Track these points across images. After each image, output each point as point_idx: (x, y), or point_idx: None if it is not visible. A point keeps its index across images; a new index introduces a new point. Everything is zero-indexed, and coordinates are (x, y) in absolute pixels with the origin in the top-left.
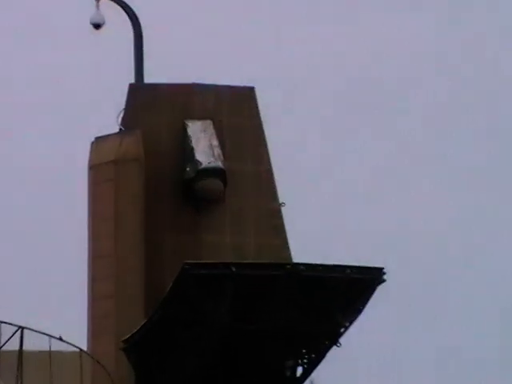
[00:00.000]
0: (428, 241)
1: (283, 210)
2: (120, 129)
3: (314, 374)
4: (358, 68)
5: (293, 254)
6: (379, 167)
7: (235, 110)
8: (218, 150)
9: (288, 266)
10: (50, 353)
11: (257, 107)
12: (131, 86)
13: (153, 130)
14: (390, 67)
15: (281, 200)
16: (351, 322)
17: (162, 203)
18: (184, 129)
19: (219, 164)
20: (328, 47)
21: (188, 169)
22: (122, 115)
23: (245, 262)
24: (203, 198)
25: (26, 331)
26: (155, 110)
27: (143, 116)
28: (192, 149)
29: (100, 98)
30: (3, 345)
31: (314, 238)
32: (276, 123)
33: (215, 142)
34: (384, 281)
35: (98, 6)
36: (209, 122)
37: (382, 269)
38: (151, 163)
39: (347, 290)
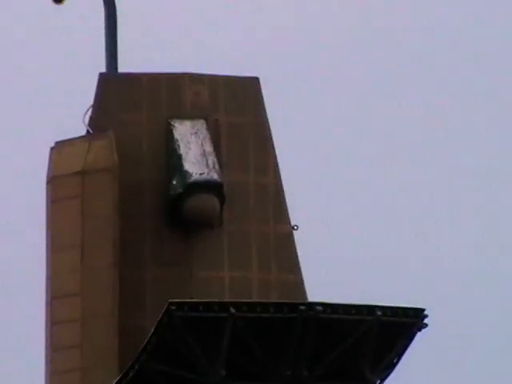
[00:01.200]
0: (473, 277)
1: (296, 234)
2: (87, 131)
3: None
4: None
5: (308, 291)
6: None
7: (235, 107)
8: (212, 158)
9: (302, 307)
10: None
11: (262, 102)
12: (102, 75)
13: (130, 131)
14: None
15: (293, 222)
16: (383, 380)
17: (142, 227)
18: (169, 130)
19: (214, 176)
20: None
21: (174, 182)
22: (89, 113)
23: (247, 301)
24: (194, 221)
25: None
26: (133, 106)
27: (117, 114)
28: (179, 156)
29: (61, 92)
30: None
31: (334, 270)
32: (285, 123)
33: (209, 148)
34: (425, 326)
35: None
36: (201, 122)
37: (422, 310)
38: (128, 175)
39: (377, 337)
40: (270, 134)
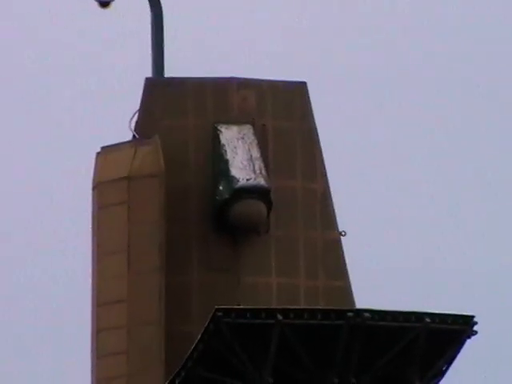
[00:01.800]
0: None
1: (343, 240)
2: (134, 136)
3: None
4: None
5: (356, 297)
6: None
7: (282, 112)
8: (259, 164)
9: (350, 314)
10: None
11: (309, 107)
12: (148, 80)
13: (176, 137)
14: None
15: (340, 227)
16: None
17: (188, 233)
18: (216, 136)
19: (262, 182)
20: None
21: (221, 188)
22: (136, 118)
23: (294, 307)
24: (241, 227)
25: None
26: (179, 111)
27: (163, 119)
28: (226, 162)
29: (107, 97)
30: None
31: (382, 277)
32: (333, 128)
33: (256, 153)
34: (475, 333)
35: None
36: (248, 127)
37: (471, 317)
38: (174, 180)
39: (426, 344)
40: (318, 139)
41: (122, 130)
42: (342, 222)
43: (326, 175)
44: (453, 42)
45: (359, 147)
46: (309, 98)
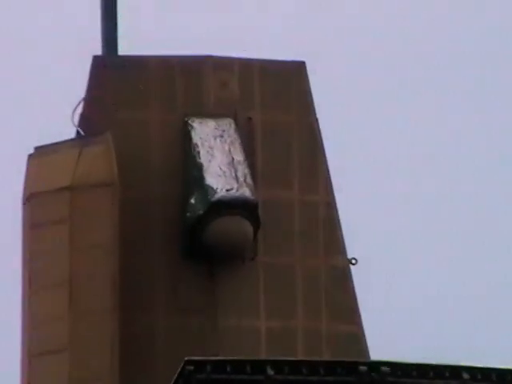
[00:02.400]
0: None
1: (354, 270)
2: (78, 132)
3: None
4: None
5: (370, 345)
6: None
7: (274, 101)
8: (243, 169)
9: (363, 368)
10: None
11: (309, 95)
12: (96, 59)
13: (134, 134)
14: None
15: (350, 253)
16: None
17: (150, 260)
18: (187, 133)
19: (246, 193)
20: None
21: (193, 201)
22: (80, 110)
23: (289, 359)
24: (219, 252)
25: None
26: (137, 100)
27: (117, 111)
28: (200, 167)
29: (43, 82)
30: None
31: (405, 319)
32: (337, 122)
33: (239, 156)
34: None
35: None
36: (229, 122)
37: None
38: (132, 191)
39: None
40: (321, 138)
41: (63, 125)
42: (352, 245)
43: (330, 184)
44: (454, 13)
45: (374, 147)
46: (308, 82)
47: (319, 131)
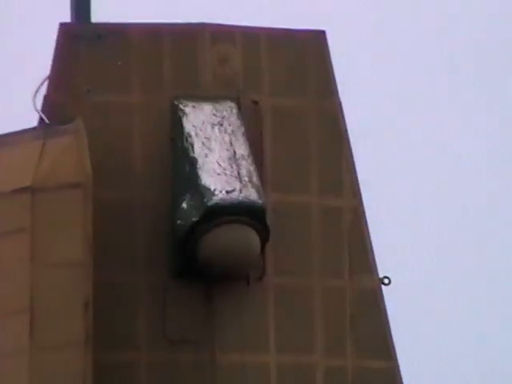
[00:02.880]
0: None
1: (386, 291)
2: (41, 119)
3: None
4: None
5: (406, 380)
6: None
7: (287, 80)
8: (248, 166)
9: None
10: None
11: (331, 72)
12: (63, 27)
13: (112, 122)
14: None
15: (381, 272)
16: None
17: (132, 281)
18: (178, 120)
19: (252, 195)
20: None
21: (185, 205)
22: (44, 91)
23: None
24: (218, 270)
25: None
26: (116, 78)
27: (91, 93)
28: (193, 162)
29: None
30: None
31: (452, 350)
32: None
33: (243, 150)
34: None
35: None
36: (229, 106)
37: None
38: (109, 194)
39: None
40: (345, 127)
41: (22, 111)
42: (385, 262)
43: (357, 184)
44: None
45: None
46: (330, 57)
47: (343, 118)
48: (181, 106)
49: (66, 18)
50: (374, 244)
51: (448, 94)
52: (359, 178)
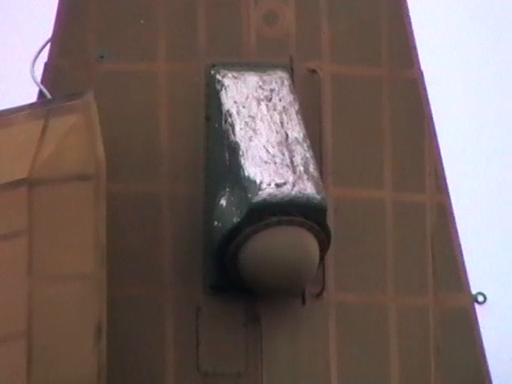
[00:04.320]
0: None
1: (480, 310)
2: (41, 93)
3: None
4: None
5: None
6: None
7: (353, 44)
8: (304, 153)
9: None
10: None
11: (410, 34)
12: None
13: (130, 96)
14: None
15: (475, 287)
16: None
17: (156, 293)
18: (214, 92)
19: (308, 189)
20: None
21: (223, 202)
22: (45, 58)
23: None
24: (266, 285)
25: None
26: (138, 42)
27: (104, 58)
28: (235, 148)
29: None
30: None
31: None
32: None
33: (297, 132)
34: None
35: None
36: (280, 77)
37: None
38: (125, 187)
39: None
40: (428, 102)
41: (18, 83)
42: (479, 275)
43: (443, 175)
44: None
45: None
46: (409, 14)
47: (426, 92)
48: (218, 77)
49: None
50: (464, 252)
51: None
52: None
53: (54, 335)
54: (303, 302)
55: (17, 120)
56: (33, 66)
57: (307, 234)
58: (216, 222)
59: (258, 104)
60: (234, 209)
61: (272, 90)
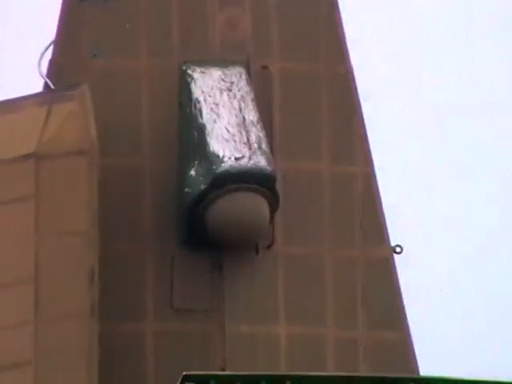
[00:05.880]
0: None
1: (399, 260)
2: (46, 84)
3: None
4: None
5: (419, 355)
6: None
7: (297, 44)
8: (257, 132)
9: None
10: None
11: (342, 36)
12: None
13: (118, 87)
14: None
15: (394, 241)
16: None
17: (139, 249)
18: (186, 85)
19: (262, 162)
20: None
21: (193, 173)
22: (49, 55)
23: (315, 374)
24: (226, 239)
25: None
26: (123, 42)
27: (97, 57)
28: (201, 129)
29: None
30: None
31: (460, 318)
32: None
33: (253, 115)
34: None
35: None
36: (238, 72)
37: None
38: (115, 161)
39: None
40: (357, 92)
41: (27, 76)
42: (397, 231)
43: (369, 151)
44: None
45: (420, 101)
46: (341, 19)
47: (355, 83)
48: (189, 71)
49: None
50: (386, 211)
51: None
52: (373, 145)
53: (57, 279)
54: (257, 253)
55: (26, 106)
56: (39, 63)
57: (260, 199)
58: (187, 189)
59: (221, 93)
60: (201, 178)
61: (232, 82)
